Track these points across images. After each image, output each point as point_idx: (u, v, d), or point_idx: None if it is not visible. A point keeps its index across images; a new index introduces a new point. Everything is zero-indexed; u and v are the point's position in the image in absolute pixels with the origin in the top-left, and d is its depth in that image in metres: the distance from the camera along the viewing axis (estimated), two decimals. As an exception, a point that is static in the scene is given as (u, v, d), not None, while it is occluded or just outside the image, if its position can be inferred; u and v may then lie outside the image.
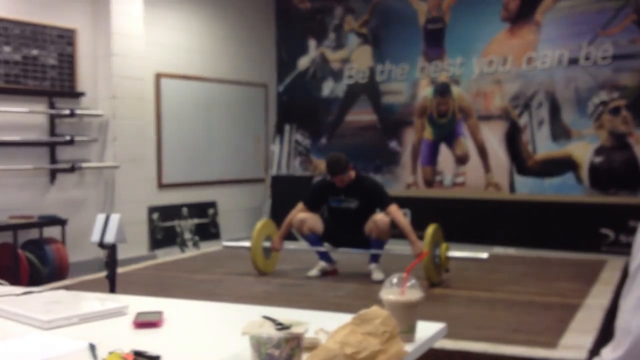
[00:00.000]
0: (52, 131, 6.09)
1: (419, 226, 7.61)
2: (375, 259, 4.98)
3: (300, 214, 5.03)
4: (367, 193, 4.98)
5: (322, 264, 5.11)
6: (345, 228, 5.00)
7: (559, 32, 7.00)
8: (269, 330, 1.23)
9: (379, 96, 8.04)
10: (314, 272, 5.07)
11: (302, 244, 5.41)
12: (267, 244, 5.17)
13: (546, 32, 7.07)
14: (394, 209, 4.89)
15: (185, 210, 7.44)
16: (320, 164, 8.17)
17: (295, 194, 7.76)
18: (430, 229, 4.64)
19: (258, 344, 1.23)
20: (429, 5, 7.70)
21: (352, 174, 4.96)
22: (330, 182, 5.04)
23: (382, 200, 4.96)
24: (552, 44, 7.03)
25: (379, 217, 4.85)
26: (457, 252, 4.79)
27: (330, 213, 5.16)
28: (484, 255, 4.85)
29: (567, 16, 6.96)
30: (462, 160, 7.56)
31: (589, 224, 6.68)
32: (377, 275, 4.84)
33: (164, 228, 7.18)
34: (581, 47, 6.87)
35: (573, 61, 6.91)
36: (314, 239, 5.07)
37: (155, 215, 7.08)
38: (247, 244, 5.23)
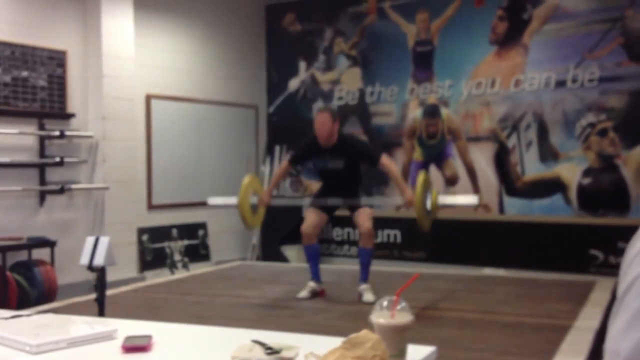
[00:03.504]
0: (42, 152, 6.07)
1: (409, 247, 7.66)
2: (365, 278, 4.97)
3: (310, 220, 5.03)
4: (352, 152, 4.99)
5: (312, 284, 5.10)
6: (337, 189, 5.02)
7: (546, 55, 7.08)
8: (259, 355, 1.23)
9: (368, 117, 8.08)
10: (304, 293, 5.05)
11: (292, 265, 5.40)
12: (254, 199, 5.14)
13: (533, 55, 7.15)
14: (386, 161, 4.93)
15: (175, 232, 7.42)
16: (311, 184, 8.18)
17: (286, 214, 7.80)
18: (421, 177, 4.73)
19: (248, 368, 1.23)
20: (418, 27, 7.78)
21: (336, 128, 4.91)
22: (314, 141, 5.02)
23: (370, 157, 4.99)
24: (539, 66, 7.10)
25: (360, 222, 4.89)
26: (448, 198, 4.82)
27: (320, 176, 5.22)
28: (475, 200, 4.84)
29: (554, 39, 7.05)
30: (451, 181, 7.59)
31: (578, 245, 6.71)
32: (367, 296, 4.83)
33: (153, 249, 7.15)
34: (568, 69, 6.95)
35: (560, 83, 6.99)
36: (315, 252, 5.12)
37: (144, 237, 7.05)
38: (234, 200, 5.17)
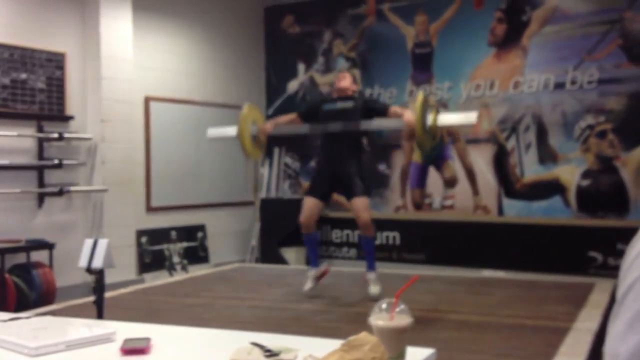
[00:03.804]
0: (41, 155, 6.07)
1: (408, 249, 7.66)
2: (372, 265, 4.93)
3: (306, 208, 4.97)
4: (362, 102, 5.09)
5: (313, 272, 5.03)
6: (338, 139, 4.94)
7: (545, 57, 7.09)
8: (258, 357, 1.23)
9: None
10: (308, 284, 4.97)
11: (291, 267, 5.39)
12: (253, 129, 5.10)
13: (532, 57, 7.15)
14: (395, 107, 5.07)
15: (173, 234, 7.41)
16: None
17: (285, 216, 7.80)
18: (420, 97, 4.69)
19: (247, 371, 1.23)
20: (417, 29, 7.78)
21: (352, 88, 5.13)
22: (328, 94, 5.13)
23: (381, 107, 5.10)
24: (538, 68, 7.11)
25: (358, 213, 4.83)
26: (447, 117, 4.82)
27: (324, 121, 5.10)
28: (473, 118, 4.81)
29: (553, 41, 7.05)
30: (450, 183, 7.59)
31: (577, 246, 6.71)
32: (373, 289, 4.78)
33: (152, 252, 7.14)
34: (567, 71, 6.95)
35: (559, 85, 6.99)
36: (315, 240, 5.13)
37: (143, 239, 7.05)
38: (233, 130, 5.12)
